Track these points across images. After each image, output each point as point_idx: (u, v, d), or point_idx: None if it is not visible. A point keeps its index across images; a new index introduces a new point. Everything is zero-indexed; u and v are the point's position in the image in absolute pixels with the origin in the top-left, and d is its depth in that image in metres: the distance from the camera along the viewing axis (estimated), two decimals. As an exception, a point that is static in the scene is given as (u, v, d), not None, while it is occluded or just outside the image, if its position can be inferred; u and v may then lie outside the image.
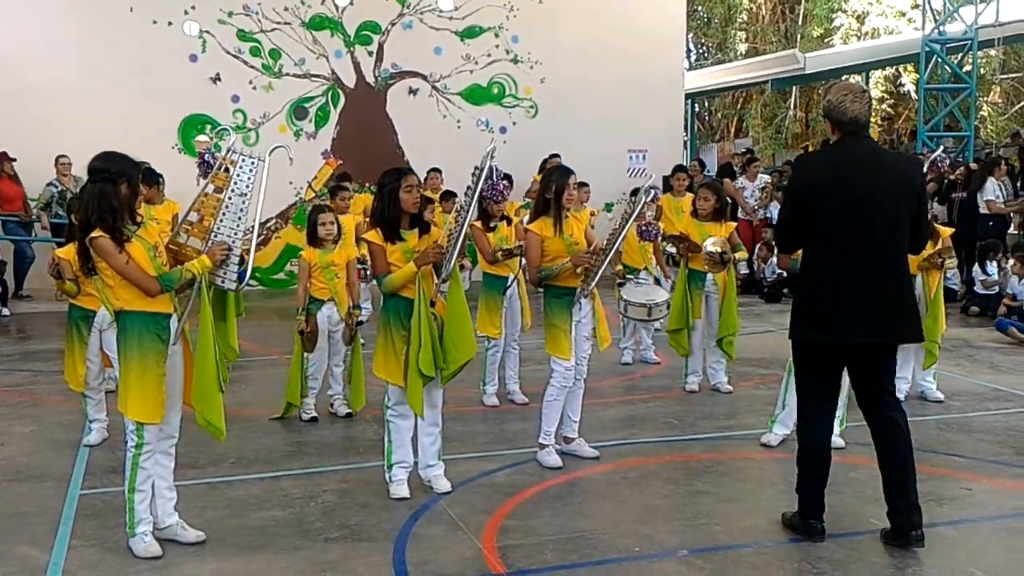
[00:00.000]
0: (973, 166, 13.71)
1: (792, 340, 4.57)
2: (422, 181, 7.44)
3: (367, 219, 10.16)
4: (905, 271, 4.47)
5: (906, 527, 4.36)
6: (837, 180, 4.30)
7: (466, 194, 5.30)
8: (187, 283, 4.38)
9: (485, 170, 5.21)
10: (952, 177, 13.41)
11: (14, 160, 12.64)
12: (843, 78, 19.71)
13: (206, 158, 4.90)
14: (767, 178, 14.90)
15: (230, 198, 4.47)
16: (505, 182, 6.46)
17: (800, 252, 4.57)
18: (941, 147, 10.17)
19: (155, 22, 13.79)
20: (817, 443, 4.54)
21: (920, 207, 4.43)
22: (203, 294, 4.38)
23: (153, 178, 7.78)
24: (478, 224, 6.97)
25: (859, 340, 4.35)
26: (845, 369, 4.57)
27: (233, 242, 4.44)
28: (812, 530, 4.51)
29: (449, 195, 10.93)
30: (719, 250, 7.08)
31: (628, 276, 7.47)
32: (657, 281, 8.27)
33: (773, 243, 13.45)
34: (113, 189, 4.21)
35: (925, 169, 6.55)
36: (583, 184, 13.47)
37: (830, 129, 4.50)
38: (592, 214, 6.52)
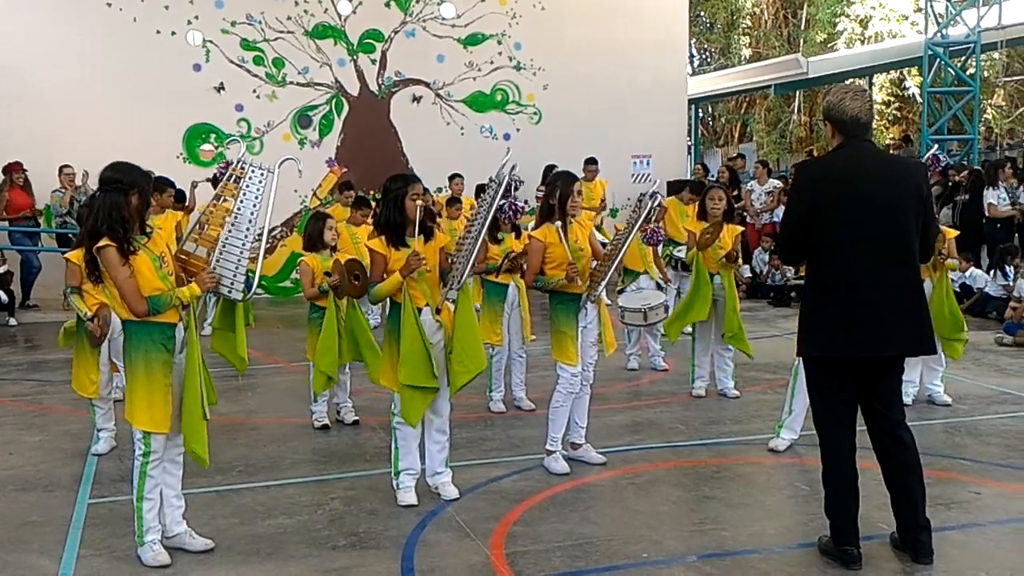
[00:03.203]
0: (978, 168, 13.69)
1: (803, 357, 4.38)
2: (428, 189, 7.47)
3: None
4: (918, 280, 4.27)
5: (915, 546, 4.28)
6: (842, 187, 4.12)
7: (480, 205, 5.29)
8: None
9: (503, 184, 5.20)
10: (957, 179, 13.40)
11: (26, 171, 12.70)
12: (847, 82, 19.77)
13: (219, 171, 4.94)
14: (777, 183, 14.91)
15: (239, 209, 4.49)
16: (522, 204, 6.52)
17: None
18: (935, 146, 10.15)
19: (159, 32, 13.82)
20: (841, 464, 4.27)
21: (927, 213, 4.24)
22: (191, 324, 4.39)
23: (162, 185, 7.77)
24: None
25: (875, 353, 4.14)
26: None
27: (241, 253, 4.46)
28: (848, 557, 4.24)
29: (454, 201, 10.96)
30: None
31: (627, 287, 7.52)
32: (659, 286, 8.26)
33: (773, 249, 13.50)
34: (124, 200, 4.24)
35: None
36: (592, 161, 13.67)
37: (830, 132, 4.29)
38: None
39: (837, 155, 4.28)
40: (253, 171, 4.55)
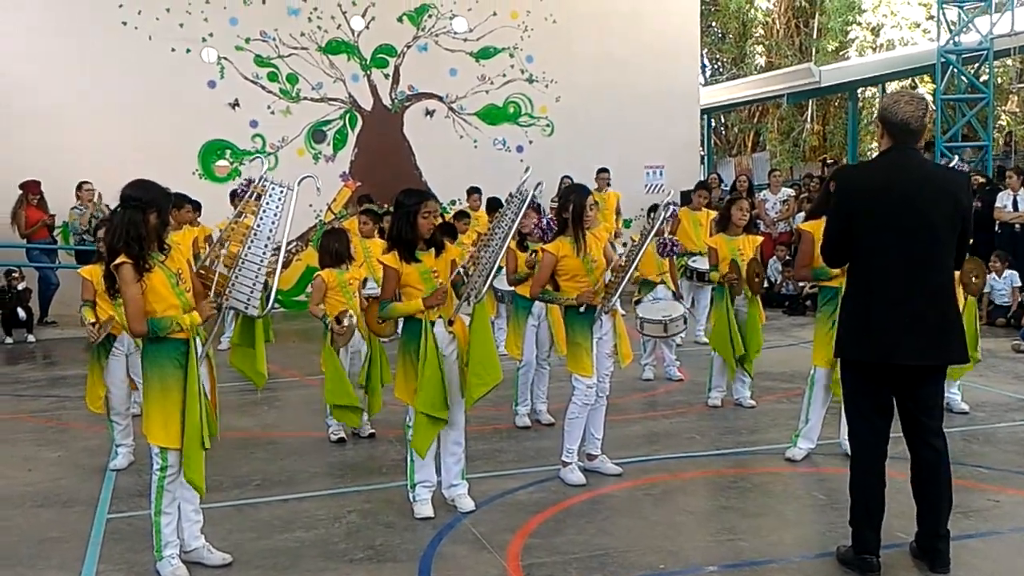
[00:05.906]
0: (980, 178, 13.63)
1: (839, 359, 4.39)
2: (439, 202, 7.45)
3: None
4: (952, 289, 4.23)
5: (932, 554, 4.26)
6: (880, 192, 4.13)
7: (500, 220, 5.28)
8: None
9: (526, 201, 5.21)
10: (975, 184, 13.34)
11: (42, 192, 12.77)
12: (859, 90, 19.75)
13: (241, 188, 4.98)
14: (790, 191, 14.90)
15: (259, 226, 4.52)
16: (551, 218, 6.52)
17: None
18: (956, 157, 10.10)
19: (173, 49, 13.94)
20: (870, 469, 4.25)
21: (965, 223, 4.21)
22: (191, 353, 4.38)
23: (180, 201, 7.86)
24: (512, 243, 6.93)
25: (908, 361, 4.11)
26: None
27: (259, 269, 4.49)
28: (866, 566, 4.22)
29: (463, 215, 10.95)
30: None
31: (644, 297, 7.48)
32: (674, 296, 8.24)
33: (788, 259, 13.44)
34: (142, 218, 4.27)
35: None
36: (604, 170, 13.64)
37: (880, 134, 4.29)
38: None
39: (880, 160, 4.30)
40: (273, 188, 4.58)
